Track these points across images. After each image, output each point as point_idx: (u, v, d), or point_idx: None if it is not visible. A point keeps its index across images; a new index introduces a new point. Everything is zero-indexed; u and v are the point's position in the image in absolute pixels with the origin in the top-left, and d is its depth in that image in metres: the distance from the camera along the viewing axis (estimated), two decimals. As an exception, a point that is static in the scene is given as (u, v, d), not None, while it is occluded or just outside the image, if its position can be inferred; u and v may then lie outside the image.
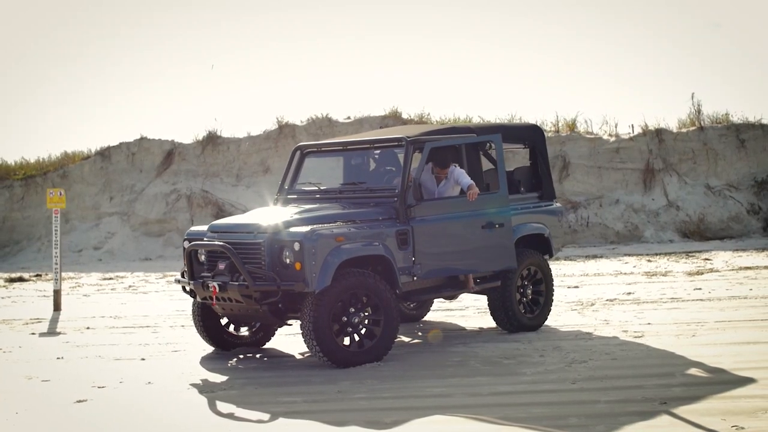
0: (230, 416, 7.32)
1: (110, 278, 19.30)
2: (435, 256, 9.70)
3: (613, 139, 24.30)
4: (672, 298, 12.87)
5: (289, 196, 10.64)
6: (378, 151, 10.45)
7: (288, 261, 8.82)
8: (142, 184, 25.76)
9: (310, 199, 10.37)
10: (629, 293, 13.64)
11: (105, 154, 26.29)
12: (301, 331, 8.98)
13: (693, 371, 8.28)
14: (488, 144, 10.58)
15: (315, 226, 8.98)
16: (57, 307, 14.35)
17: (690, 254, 19.31)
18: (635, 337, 10.12)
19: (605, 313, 11.84)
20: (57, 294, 14.44)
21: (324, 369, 8.96)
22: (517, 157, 15.58)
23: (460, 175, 10.01)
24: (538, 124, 11.77)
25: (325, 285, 8.73)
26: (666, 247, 21.34)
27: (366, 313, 9.19)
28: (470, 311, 12.65)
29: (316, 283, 8.71)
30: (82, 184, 25.86)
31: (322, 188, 10.51)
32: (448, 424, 6.85)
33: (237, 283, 8.92)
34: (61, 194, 14.67)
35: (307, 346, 8.98)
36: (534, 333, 10.63)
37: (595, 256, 19.91)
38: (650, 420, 6.69)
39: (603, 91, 43.57)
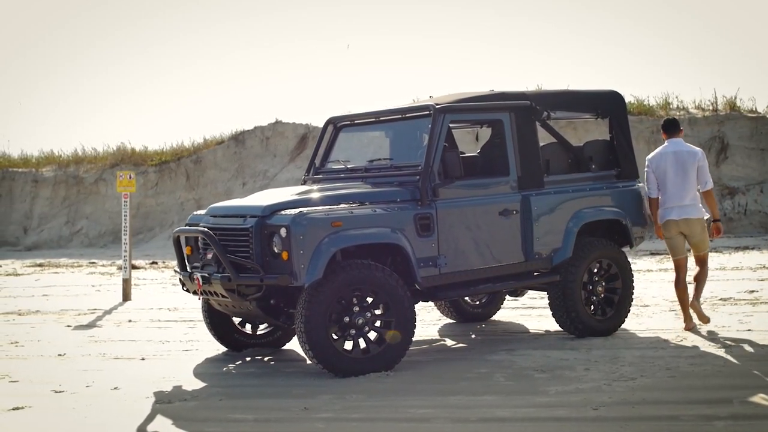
0: (152, 437, 6.06)
1: (218, 266, 18.49)
2: (462, 245, 8.13)
3: (779, 117, 21.63)
4: (800, 299, 10.72)
5: (316, 176, 9.28)
6: (413, 123, 8.86)
7: (276, 250, 7.44)
8: (275, 170, 24.99)
9: (336, 178, 8.96)
10: (752, 291, 11.51)
11: (239, 138, 25.71)
12: (296, 333, 7.62)
13: (758, 399, 6.33)
14: (547, 113, 8.90)
15: (309, 209, 7.56)
16: (126, 297, 13.54)
17: None
18: (720, 347, 8.20)
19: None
20: (126, 283, 13.63)
21: (320, 378, 7.55)
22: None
23: None
24: (618, 91, 9.71)
25: (315, 278, 7.29)
26: (834, 238, 18.71)
27: (375, 313, 7.73)
28: (553, 310, 10.92)
29: (304, 276, 7.29)
30: (215, 169, 25.35)
31: (349, 166, 9.08)
32: (389, 462, 5.35)
33: (220, 275, 7.64)
34: (131, 177, 13.81)
35: (302, 350, 7.61)
36: (602, 339, 8.85)
37: (746, 248, 17.53)
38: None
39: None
